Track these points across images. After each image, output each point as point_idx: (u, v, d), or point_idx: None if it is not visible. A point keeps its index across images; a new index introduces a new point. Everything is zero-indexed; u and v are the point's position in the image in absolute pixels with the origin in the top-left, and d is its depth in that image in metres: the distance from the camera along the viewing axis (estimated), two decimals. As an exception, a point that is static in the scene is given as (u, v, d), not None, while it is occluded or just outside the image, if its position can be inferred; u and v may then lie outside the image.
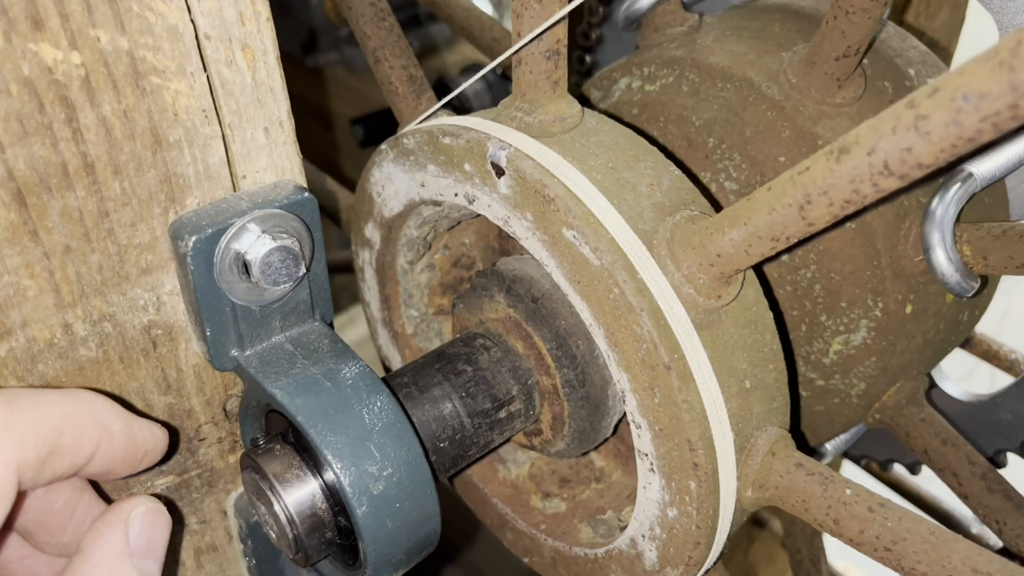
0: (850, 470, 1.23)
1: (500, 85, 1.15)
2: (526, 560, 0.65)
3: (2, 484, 0.34)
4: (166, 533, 0.42)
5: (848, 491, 0.45)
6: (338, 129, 1.56)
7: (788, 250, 0.57)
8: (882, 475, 1.10)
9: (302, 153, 0.49)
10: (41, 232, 0.41)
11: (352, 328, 1.66)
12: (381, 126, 1.35)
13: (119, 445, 0.40)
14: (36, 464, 0.36)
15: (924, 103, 0.32)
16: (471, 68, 1.26)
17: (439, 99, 0.60)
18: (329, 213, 0.85)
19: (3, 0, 0.36)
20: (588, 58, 0.94)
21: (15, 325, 0.42)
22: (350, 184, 0.88)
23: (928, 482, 1.11)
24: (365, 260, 0.65)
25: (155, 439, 0.43)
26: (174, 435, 0.50)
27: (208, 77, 0.43)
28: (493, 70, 0.66)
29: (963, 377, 0.88)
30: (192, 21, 0.41)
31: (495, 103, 0.55)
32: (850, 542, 0.44)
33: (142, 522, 0.41)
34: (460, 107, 1.15)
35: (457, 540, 1.32)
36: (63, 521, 0.43)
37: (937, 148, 0.32)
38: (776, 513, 1.35)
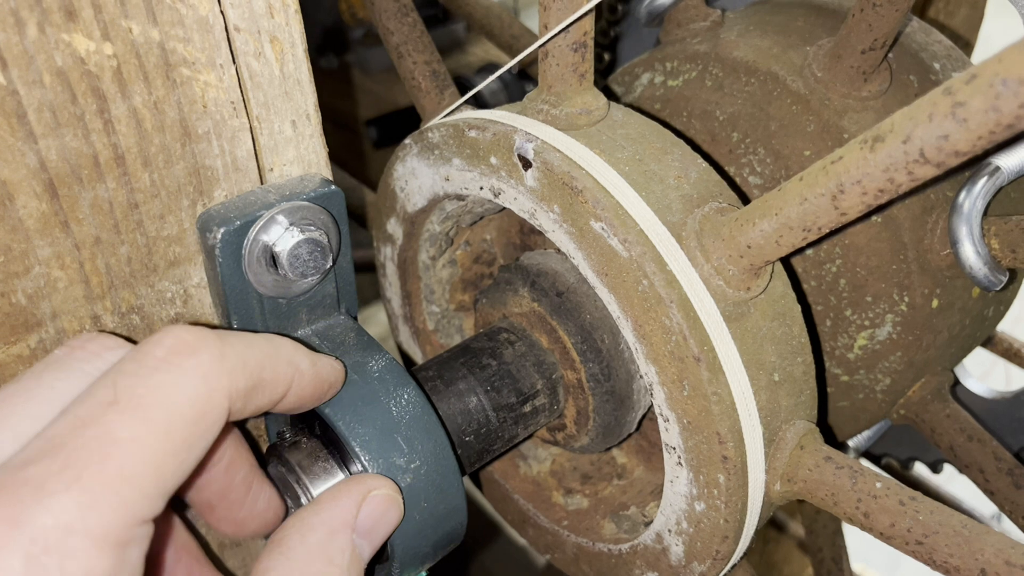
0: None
1: (516, 84, 1.15)
2: (548, 557, 0.65)
3: (216, 409, 0.36)
4: (394, 524, 0.43)
5: (878, 484, 0.44)
6: (352, 130, 1.56)
7: (814, 244, 0.57)
8: (902, 474, 1.10)
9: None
10: (72, 223, 0.41)
11: (367, 327, 1.66)
12: (395, 127, 1.35)
13: (308, 381, 0.42)
14: (244, 395, 0.37)
15: (962, 90, 0.31)
16: (488, 68, 1.27)
17: (460, 96, 0.60)
18: (349, 211, 0.85)
19: (37, -9, 0.36)
20: (607, 55, 0.94)
21: (45, 316, 0.42)
22: (365, 185, 0.89)
23: (948, 481, 1.10)
24: (387, 256, 0.65)
25: (336, 372, 0.45)
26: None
27: (237, 69, 0.43)
28: (510, 69, 0.66)
29: (979, 375, 0.88)
30: (222, 13, 0.41)
31: (511, 102, 0.55)
32: (880, 536, 0.44)
33: (378, 504, 0.42)
34: (477, 105, 1.15)
35: (471, 543, 1.32)
36: (241, 495, 0.43)
37: (975, 135, 0.32)
38: (795, 513, 1.35)
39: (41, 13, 0.36)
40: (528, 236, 0.66)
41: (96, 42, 0.38)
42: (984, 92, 0.31)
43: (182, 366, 0.35)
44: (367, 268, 0.79)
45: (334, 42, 1.55)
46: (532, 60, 0.50)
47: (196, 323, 0.46)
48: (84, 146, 0.40)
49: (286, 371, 0.40)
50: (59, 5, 0.37)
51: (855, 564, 1.50)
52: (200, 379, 0.35)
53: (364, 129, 1.41)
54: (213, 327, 0.39)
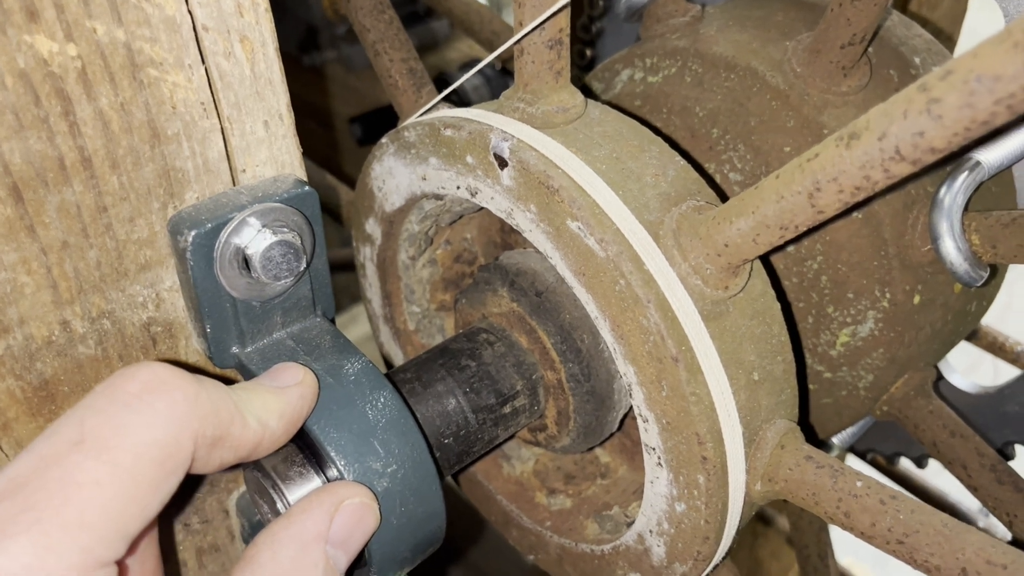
0: (855, 464, 1.23)
1: (499, 80, 1.15)
2: (531, 558, 0.64)
3: (183, 452, 0.35)
4: (370, 531, 0.42)
5: (859, 483, 0.44)
6: (336, 128, 1.55)
7: (794, 241, 0.56)
8: (887, 469, 1.10)
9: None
10: (38, 227, 0.40)
11: (353, 328, 1.66)
12: (379, 124, 1.34)
13: (279, 438, 0.41)
14: (209, 443, 0.37)
15: (937, 86, 0.31)
16: (471, 64, 1.26)
17: (438, 94, 0.59)
18: (329, 210, 0.84)
19: (-3, -9, 0.35)
20: (589, 52, 0.94)
21: (12, 323, 0.42)
22: (348, 183, 0.88)
23: (934, 476, 1.10)
24: (366, 256, 0.64)
25: (307, 402, 0.43)
26: None
27: (206, 69, 0.42)
28: (492, 65, 0.65)
29: (967, 370, 0.88)
30: (190, 12, 0.41)
31: (494, 98, 0.54)
32: (861, 535, 0.44)
33: (352, 513, 0.40)
34: (460, 102, 1.14)
35: (460, 540, 1.32)
36: None
37: (950, 132, 0.31)
38: (782, 509, 1.35)
39: (2, 14, 0.36)
40: (509, 234, 0.65)
41: (59, 43, 0.37)
42: (959, 88, 0.30)
43: (153, 405, 0.35)
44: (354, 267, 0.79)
45: (317, 39, 1.54)
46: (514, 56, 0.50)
47: (178, 363, 0.45)
48: (49, 149, 0.39)
49: (255, 430, 0.39)
50: (20, 5, 0.36)
51: (843, 558, 1.51)
52: (170, 420, 0.35)
53: (348, 126, 1.40)
54: (193, 371, 0.38)
